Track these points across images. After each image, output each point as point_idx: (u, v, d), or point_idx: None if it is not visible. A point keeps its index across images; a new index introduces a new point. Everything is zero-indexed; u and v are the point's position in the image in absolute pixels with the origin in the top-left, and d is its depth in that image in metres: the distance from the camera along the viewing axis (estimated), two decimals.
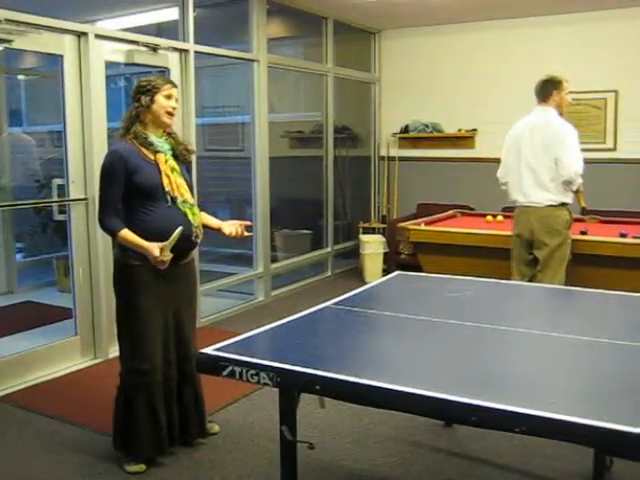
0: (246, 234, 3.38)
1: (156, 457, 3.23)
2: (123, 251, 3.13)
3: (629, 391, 2.01)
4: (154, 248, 3.00)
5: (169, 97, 3.15)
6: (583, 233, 4.84)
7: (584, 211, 5.11)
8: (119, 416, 3.22)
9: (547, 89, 4.53)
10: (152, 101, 3.11)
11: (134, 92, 3.16)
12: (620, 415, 1.76)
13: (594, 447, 1.82)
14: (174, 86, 3.21)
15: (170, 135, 3.25)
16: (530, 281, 4.44)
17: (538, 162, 4.46)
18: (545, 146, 4.43)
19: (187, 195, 3.21)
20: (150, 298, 3.12)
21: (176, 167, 3.19)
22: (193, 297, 3.42)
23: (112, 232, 3.11)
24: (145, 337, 3.12)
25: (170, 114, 3.17)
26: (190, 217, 3.18)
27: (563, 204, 4.46)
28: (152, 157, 3.12)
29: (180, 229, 3.03)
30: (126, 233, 3.06)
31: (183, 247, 3.14)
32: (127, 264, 3.11)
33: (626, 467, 2.69)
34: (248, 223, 3.43)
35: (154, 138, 3.15)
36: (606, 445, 1.75)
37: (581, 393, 1.99)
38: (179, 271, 3.22)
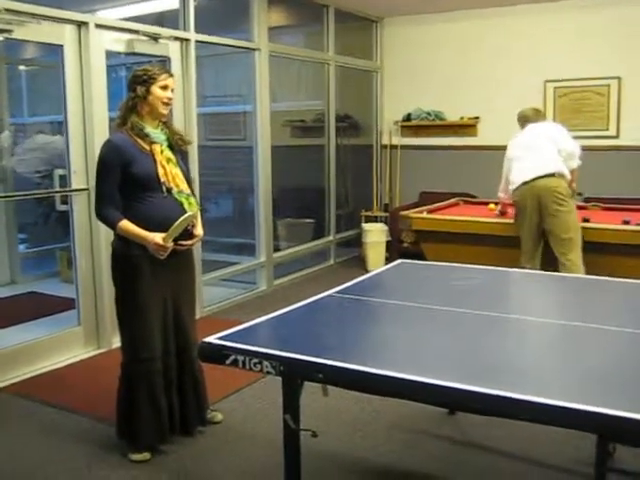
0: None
1: (158, 445, 3.24)
2: (123, 241, 3.12)
3: (634, 378, 2.01)
4: (155, 237, 3.01)
5: (165, 88, 3.13)
6: (586, 220, 4.84)
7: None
8: (121, 405, 3.23)
9: (541, 115, 5.30)
10: (148, 92, 3.09)
11: (130, 82, 3.14)
12: (624, 401, 1.76)
13: (598, 433, 1.82)
14: (170, 76, 3.19)
15: (165, 124, 3.24)
16: (550, 267, 4.61)
17: (542, 143, 4.86)
18: (547, 137, 4.90)
19: (183, 185, 3.20)
20: (149, 287, 3.12)
21: (172, 157, 3.18)
22: (192, 286, 3.41)
23: (110, 223, 3.11)
24: (145, 326, 3.13)
25: (166, 104, 3.15)
26: (186, 207, 3.17)
27: (562, 175, 4.76)
28: (148, 148, 3.11)
29: (185, 216, 3.03)
30: (125, 224, 3.06)
31: (180, 237, 3.14)
32: (127, 254, 3.11)
33: (629, 453, 2.69)
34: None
35: (150, 129, 3.14)
36: (609, 431, 1.75)
37: (585, 380, 1.99)
38: (178, 260, 3.21)
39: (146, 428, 3.17)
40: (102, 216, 3.13)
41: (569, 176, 4.83)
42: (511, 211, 5.10)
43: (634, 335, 2.38)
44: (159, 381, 3.19)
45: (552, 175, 4.72)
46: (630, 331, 2.42)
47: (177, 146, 3.26)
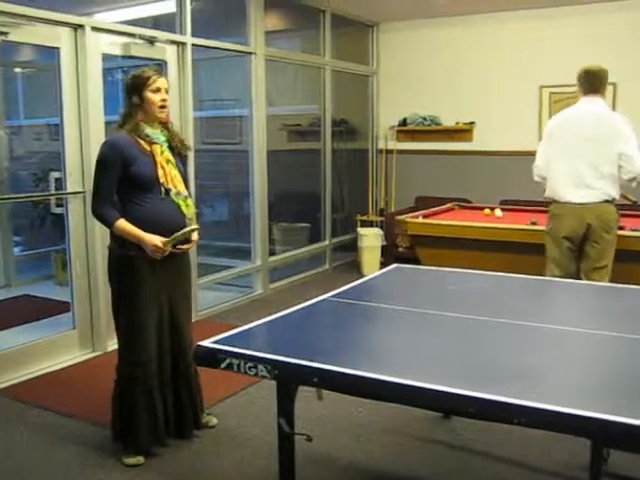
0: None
1: (152, 449, 3.23)
2: (119, 241, 3.12)
3: (629, 383, 2.02)
4: (154, 239, 3.01)
5: (158, 90, 3.11)
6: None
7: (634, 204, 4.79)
8: (116, 409, 3.23)
9: (601, 79, 4.28)
10: (141, 99, 3.09)
11: (124, 91, 3.15)
12: (618, 407, 1.77)
13: (592, 439, 1.82)
14: (160, 76, 3.16)
15: (166, 126, 3.24)
16: (577, 278, 4.24)
17: (598, 154, 4.18)
18: (606, 138, 4.17)
19: (181, 187, 3.20)
20: (146, 289, 3.12)
21: (171, 159, 3.19)
22: (188, 288, 3.41)
23: (108, 222, 3.10)
24: (141, 328, 3.13)
25: (162, 107, 3.14)
26: (183, 209, 3.18)
27: (614, 200, 4.26)
28: (148, 148, 3.12)
29: (190, 228, 3.08)
30: (123, 223, 3.06)
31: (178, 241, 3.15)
32: (124, 255, 3.10)
33: (623, 458, 2.70)
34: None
35: (150, 130, 3.14)
36: (602, 436, 1.75)
37: (580, 385, 1.99)
38: (175, 263, 3.22)
39: (141, 431, 3.16)
40: (99, 214, 3.11)
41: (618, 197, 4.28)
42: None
43: (632, 340, 2.39)
44: (154, 383, 3.18)
45: (605, 201, 4.21)
46: (628, 337, 2.42)
47: (177, 149, 3.26)
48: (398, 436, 3.47)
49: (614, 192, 4.24)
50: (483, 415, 1.91)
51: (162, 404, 3.23)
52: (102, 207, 3.09)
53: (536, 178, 4.52)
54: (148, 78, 3.10)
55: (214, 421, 3.57)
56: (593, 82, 4.28)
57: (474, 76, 7.31)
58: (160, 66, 5.09)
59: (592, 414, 1.68)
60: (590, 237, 4.24)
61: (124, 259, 3.11)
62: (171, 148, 3.22)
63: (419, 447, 3.38)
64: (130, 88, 3.11)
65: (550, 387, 1.96)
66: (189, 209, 3.22)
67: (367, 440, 3.43)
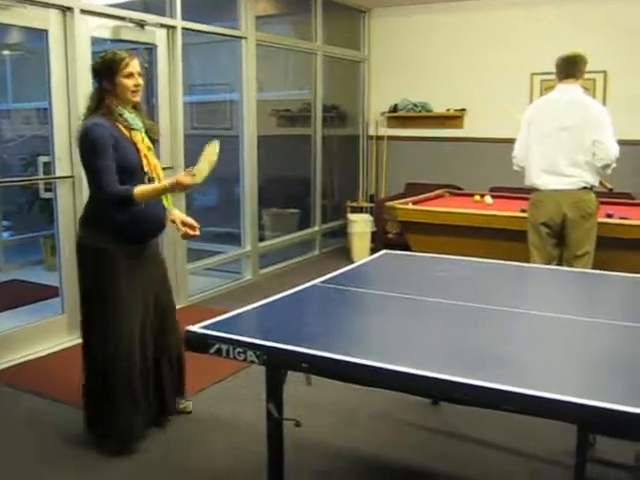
0: (191, 233, 3.26)
1: (139, 437, 3.20)
2: (90, 233, 3.03)
3: (614, 369, 2.04)
4: (179, 178, 2.86)
5: (130, 75, 2.96)
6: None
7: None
8: (95, 400, 3.17)
9: (579, 65, 4.30)
10: (113, 84, 2.95)
11: (93, 74, 3.00)
12: (603, 393, 1.79)
13: (577, 424, 1.84)
14: (132, 59, 2.98)
15: (136, 109, 3.10)
16: (558, 265, 4.29)
17: (573, 142, 4.20)
18: (581, 126, 4.18)
19: (162, 176, 3.13)
20: (123, 281, 3.02)
21: (151, 147, 3.10)
22: (165, 274, 3.35)
23: (128, 196, 2.88)
24: (121, 321, 3.04)
25: (135, 92, 3.00)
26: (164, 201, 3.12)
27: (592, 187, 4.28)
28: (128, 134, 3.00)
29: (213, 144, 2.90)
30: (142, 188, 2.91)
31: (154, 229, 3.11)
32: (95, 247, 3.00)
33: (609, 444, 2.72)
34: (195, 225, 3.28)
35: (127, 115, 3.02)
36: (587, 422, 1.77)
37: (567, 372, 2.01)
38: (148, 252, 3.17)
39: (126, 422, 3.11)
40: (114, 194, 2.89)
41: (597, 184, 4.31)
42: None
43: (617, 327, 2.41)
44: (136, 374, 3.11)
45: (583, 188, 4.24)
46: (616, 323, 2.44)
47: (150, 133, 3.15)
48: (387, 422, 3.49)
49: (592, 179, 4.26)
50: (471, 402, 1.92)
51: (144, 391, 3.18)
52: (113, 185, 2.89)
53: (515, 167, 4.58)
54: (120, 62, 2.93)
55: (190, 407, 3.53)
56: (567, 67, 4.31)
57: (465, 63, 7.30)
58: (150, 50, 5.06)
59: (578, 400, 1.70)
60: (568, 224, 4.27)
61: (97, 252, 2.99)
62: (147, 133, 3.11)
63: (408, 433, 3.40)
64: (101, 72, 2.96)
65: (537, 373, 1.98)
66: (169, 201, 3.16)
67: (356, 425, 3.45)
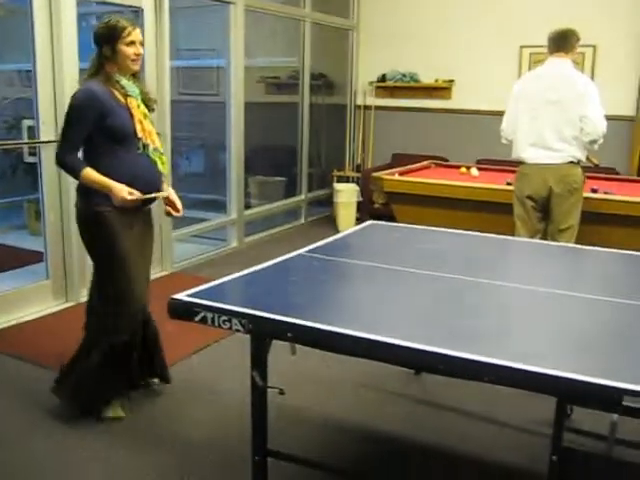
0: (173, 213, 3.29)
1: (125, 401, 3.24)
2: (88, 198, 3.02)
3: (593, 343, 2.07)
4: (123, 189, 2.93)
5: (131, 43, 2.97)
6: None
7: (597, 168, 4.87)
8: (83, 364, 3.18)
9: (570, 39, 4.30)
10: (114, 51, 2.95)
11: (95, 40, 2.99)
12: (582, 366, 1.82)
13: (556, 396, 1.88)
14: (134, 28, 3.00)
15: (135, 77, 3.12)
16: (543, 239, 4.30)
17: (561, 116, 4.21)
18: (569, 100, 4.19)
19: (157, 143, 3.14)
20: (126, 241, 3.05)
21: (147, 114, 3.11)
22: (152, 243, 3.37)
23: (75, 171, 2.98)
24: (132, 279, 3.08)
25: (135, 60, 3.02)
26: (160, 166, 3.13)
27: (579, 161, 4.31)
28: (123, 100, 3.01)
29: (162, 194, 3.11)
30: (90, 172, 2.95)
31: (147, 194, 3.11)
32: (95, 211, 3.00)
33: (585, 414, 2.78)
34: (179, 207, 3.30)
35: (125, 81, 3.04)
36: (567, 394, 1.81)
37: (547, 345, 2.04)
38: (143, 218, 3.20)
39: (116, 383, 3.17)
40: (65, 162, 2.99)
41: (584, 158, 4.34)
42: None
43: (600, 302, 2.44)
44: (139, 331, 3.19)
45: (570, 162, 4.25)
46: (600, 298, 2.47)
47: (146, 101, 3.16)
48: (370, 391, 3.53)
49: (579, 154, 4.28)
50: (453, 372, 1.95)
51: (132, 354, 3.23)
52: (69, 155, 2.98)
53: (503, 140, 4.59)
54: (122, 30, 2.94)
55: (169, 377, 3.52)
56: (558, 40, 4.31)
57: (454, 34, 7.26)
58: (136, 13, 4.97)
59: (557, 372, 1.73)
60: (554, 198, 4.29)
61: (92, 216, 3.02)
62: (143, 102, 3.12)
63: (391, 402, 3.44)
64: (102, 38, 2.96)
65: (520, 346, 2.00)
66: (165, 166, 3.18)
67: (340, 394, 3.49)
